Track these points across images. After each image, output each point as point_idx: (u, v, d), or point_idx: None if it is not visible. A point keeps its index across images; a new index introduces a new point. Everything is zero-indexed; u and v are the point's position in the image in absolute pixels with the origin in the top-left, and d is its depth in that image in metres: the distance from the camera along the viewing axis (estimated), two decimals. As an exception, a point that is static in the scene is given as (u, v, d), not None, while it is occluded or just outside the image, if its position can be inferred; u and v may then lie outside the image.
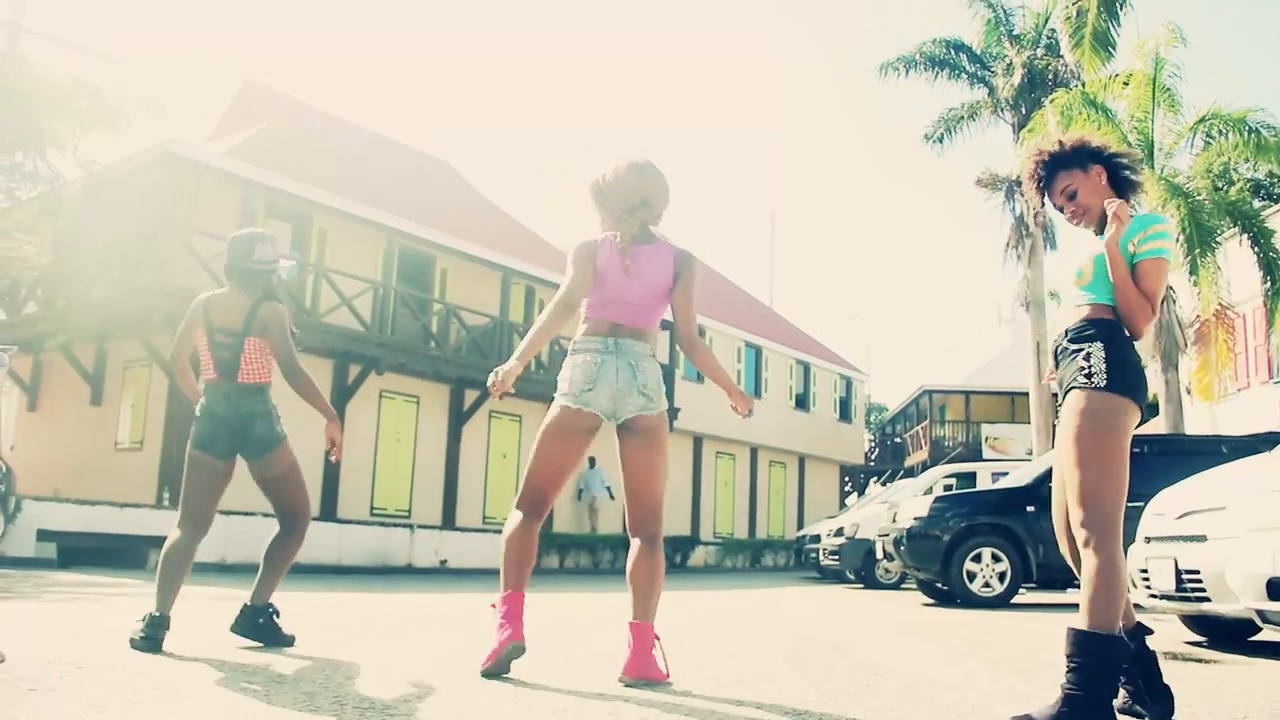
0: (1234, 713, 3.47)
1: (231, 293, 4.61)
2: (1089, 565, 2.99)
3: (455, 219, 22.36)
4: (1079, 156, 3.39)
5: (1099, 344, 3.15)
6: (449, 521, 20.46)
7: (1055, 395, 3.45)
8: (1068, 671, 2.93)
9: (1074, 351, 3.21)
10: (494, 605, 3.83)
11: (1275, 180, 27.77)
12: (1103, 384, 3.09)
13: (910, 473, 37.19)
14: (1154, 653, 3.29)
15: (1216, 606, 5.55)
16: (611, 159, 4.02)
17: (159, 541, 14.07)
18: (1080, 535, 3.04)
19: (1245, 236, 16.59)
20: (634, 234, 3.89)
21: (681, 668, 4.10)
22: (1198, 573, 5.62)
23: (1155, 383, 18.14)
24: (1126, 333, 3.21)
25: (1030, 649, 5.98)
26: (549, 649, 4.74)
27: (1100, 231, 3.37)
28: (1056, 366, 3.37)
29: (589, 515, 23.42)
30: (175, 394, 16.21)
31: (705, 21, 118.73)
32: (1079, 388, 3.14)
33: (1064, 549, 3.43)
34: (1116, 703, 3.18)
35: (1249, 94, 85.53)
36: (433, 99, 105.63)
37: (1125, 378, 3.09)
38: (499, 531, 16.78)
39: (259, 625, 4.55)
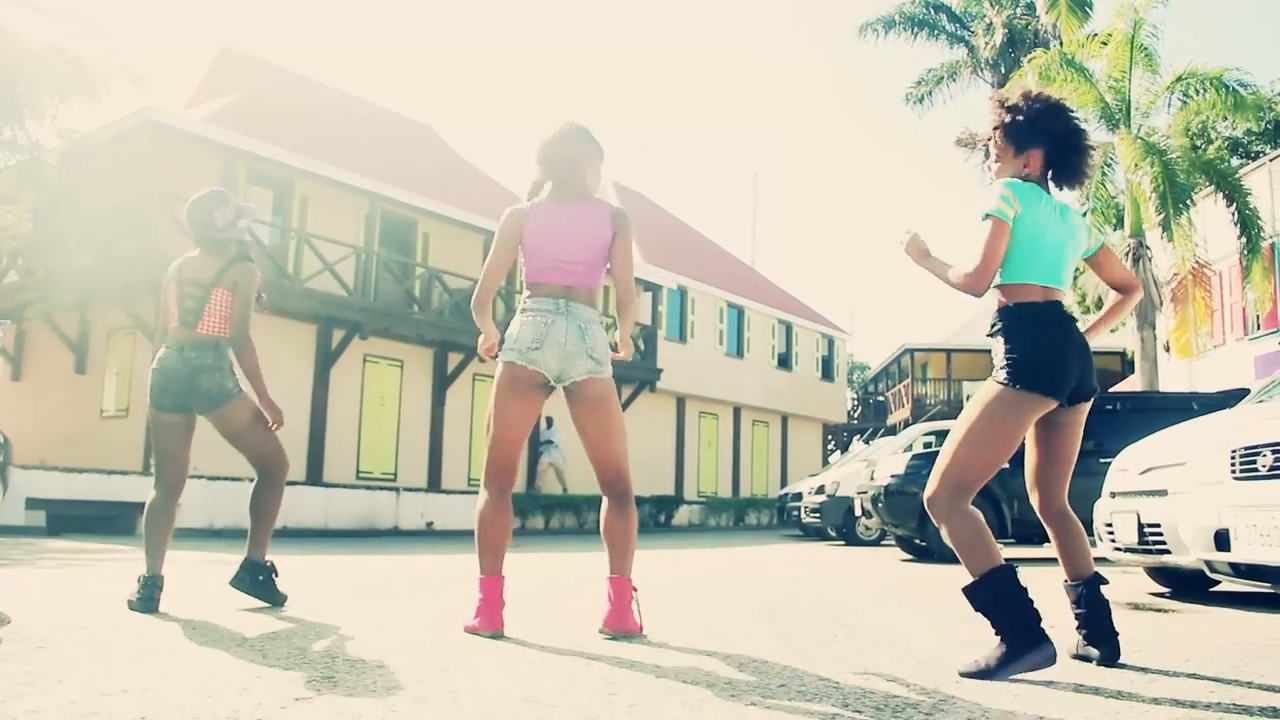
0: (1182, 658, 3.65)
1: (202, 255, 4.68)
2: (946, 536, 3.21)
3: (437, 183, 22.36)
4: (1019, 132, 3.34)
5: (999, 339, 3.23)
6: (434, 484, 20.63)
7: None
8: (990, 622, 3.15)
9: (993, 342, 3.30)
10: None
11: (1253, 138, 27.97)
12: (1002, 380, 3.17)
13: (892, 431, 37.50)
14: (1106, 600, 3.45)
15: (1175, 558, 5.75)
16: (553, 122, 4.10)
17: (147, 507, 14.29)
18: (933, 506, 3.21)
19: (1220, 194, 16.78)
20: (577, 193, 3.98)
21: (660, 623, 4.28)
22: (1158, 526, 5.82)
23: (1131, 340, 18.37)
24: (1031, 316, 3.21)
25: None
26: (532, 608, 4.91)
27: None
28: None
29: (556, 477, 22.81)
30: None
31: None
32: (993, 377, 3.24)
33: (1036, 505, 3.55)
34: (1071, 648, 3.38)
35: (1228, 56, 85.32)
36: (414, 62, 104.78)
37: (1022, 373, 3.14)
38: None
39: (258, 582, 4.66)
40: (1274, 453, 3.80)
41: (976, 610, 3.17)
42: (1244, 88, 17.20)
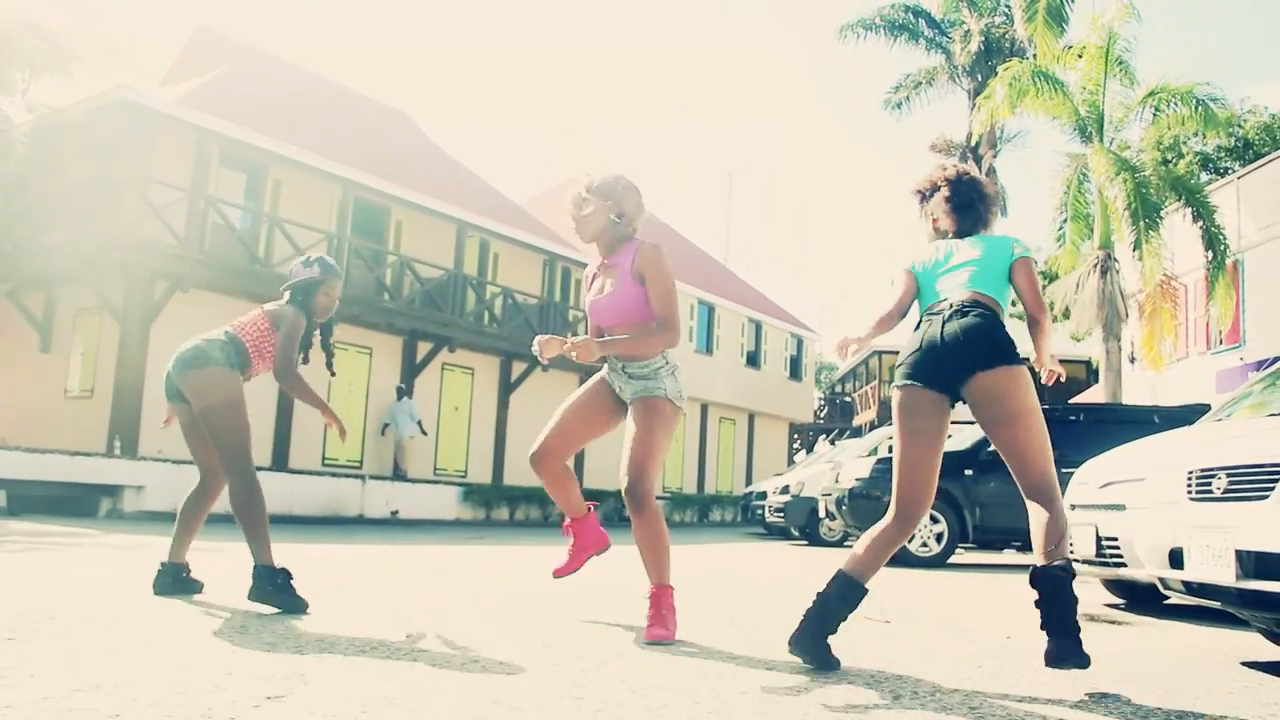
0: (1128, 671, 3.75)
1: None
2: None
3: (411, 171, 22.29)
4: (922, 198, 4.03)
5: None
6: (400, 472, 20.59)
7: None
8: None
9: None
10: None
11: (1223, 154, 28.34)
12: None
13: (858, 432, 37.77)
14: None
15: (1131, 572, 5.89)
16: (604, 171, 4.35)
17: (110, 490, 14.19)
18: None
19: (1189, 210, 17.01)
20: (615, 241, 4.29)
21: (629, 624, 4.34)
22: (1115, 540, 5.96)
23: (1096, 350, 18.60)
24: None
25: (963, 608, 6.28)
26: (499, 607, 4.94)
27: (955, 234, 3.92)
28: None
29: (395, 453, 20.56)
30: (126, 343, 16.19)
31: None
32: None
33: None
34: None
35: (1201, 72, 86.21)
36: (394, 52, 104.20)
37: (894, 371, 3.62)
38: (449, 483, 17.01)
39: (276, 587, 4.32)
40: (1229, 476, 3.90)
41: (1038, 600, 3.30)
42: (1214, 102, 17.43)
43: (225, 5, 73.60)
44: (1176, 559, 4.19)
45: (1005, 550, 15.67)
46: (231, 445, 4.45)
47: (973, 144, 22.29)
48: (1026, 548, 16.45)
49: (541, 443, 4.46)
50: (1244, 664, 4.27)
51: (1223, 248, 17.19)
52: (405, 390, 20.69)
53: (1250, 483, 3.78)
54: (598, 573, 4.81)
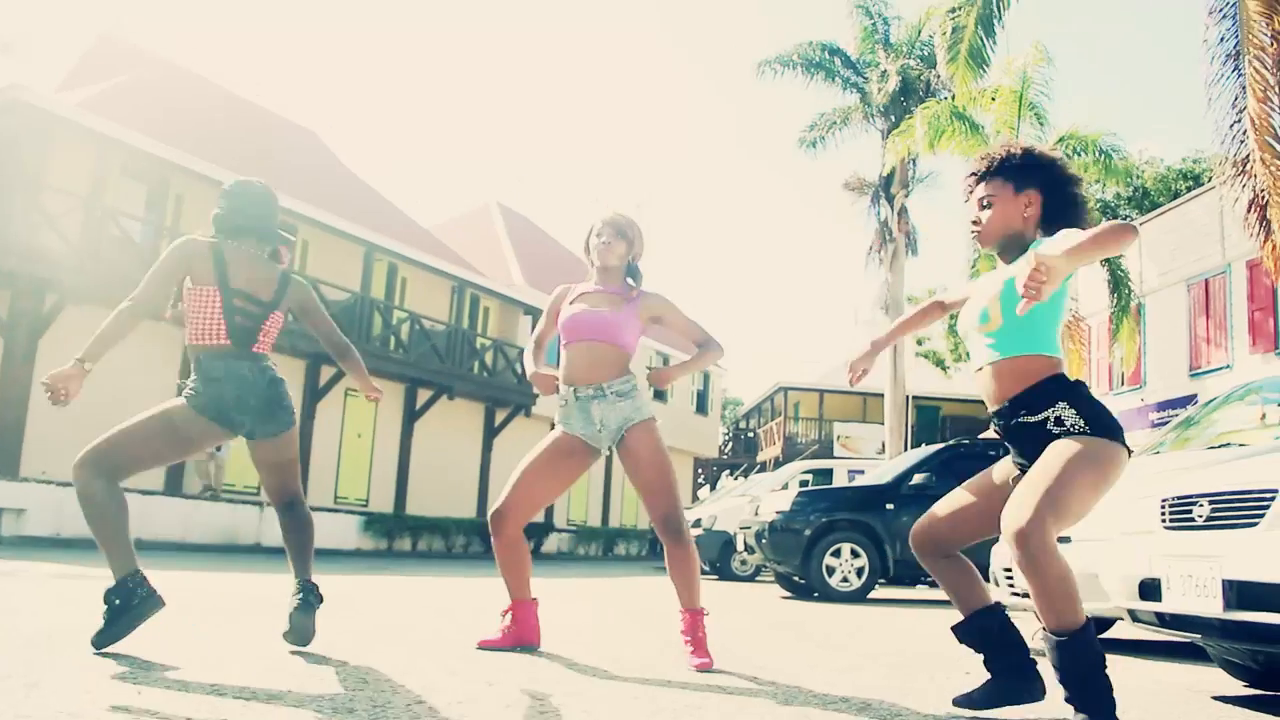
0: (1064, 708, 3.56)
1: (256, 260, 3.96)
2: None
3: (319, 190, 21.68)
4: (1017, 171, 3.13)
5: (1063, 403, 2.94)
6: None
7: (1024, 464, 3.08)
8: (1063, 685, 2.82)
9: (1037, 424, 2.98)
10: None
11: (1121, 201, 29.19)
12: (1088, 432, 2.89)
13: (763, 467, 37.84)
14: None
15: (1085, 605, 5.74)
16: (629, 214, 4.48)
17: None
18: (1018, 550, 2.77)
19: (1095, 254, 17.33)
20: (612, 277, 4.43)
21: (557, 654, 4.01)
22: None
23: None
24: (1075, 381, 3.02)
25: (896, 644, 6.07)
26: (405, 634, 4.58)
27: (1007, 259, 3.15)
28: (1005, 441, 3.13)
29: (214, 472, 18.02)
30: (10, 356, 15.27)
31: (581, 10, 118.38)
32: (1063, 436, 2.92)
33: (927, 534, 3.38)
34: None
35: (1114, 119, 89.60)
36: (301, 66, 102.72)
37: (1108, 424, 2.92)
38: (350, 511, 16.50)
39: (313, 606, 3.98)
40: (1211, 503, 3.73)
41: (1058, 668, 2.82)
42: (1115, 152, 17.90)
43: (130, 11, 71.70)
44: (1150, 590, 4.01)
45: (917, 586, 15.70)
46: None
47: (884, 179, 22.51)
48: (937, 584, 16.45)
49: (504, 500, 4.24)
50: (1215, 698, 4.12)
51: (1127, 290, 17.56)
52: None
53: (1237, 509, 3.61)
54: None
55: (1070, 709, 2.80)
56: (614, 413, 4.19)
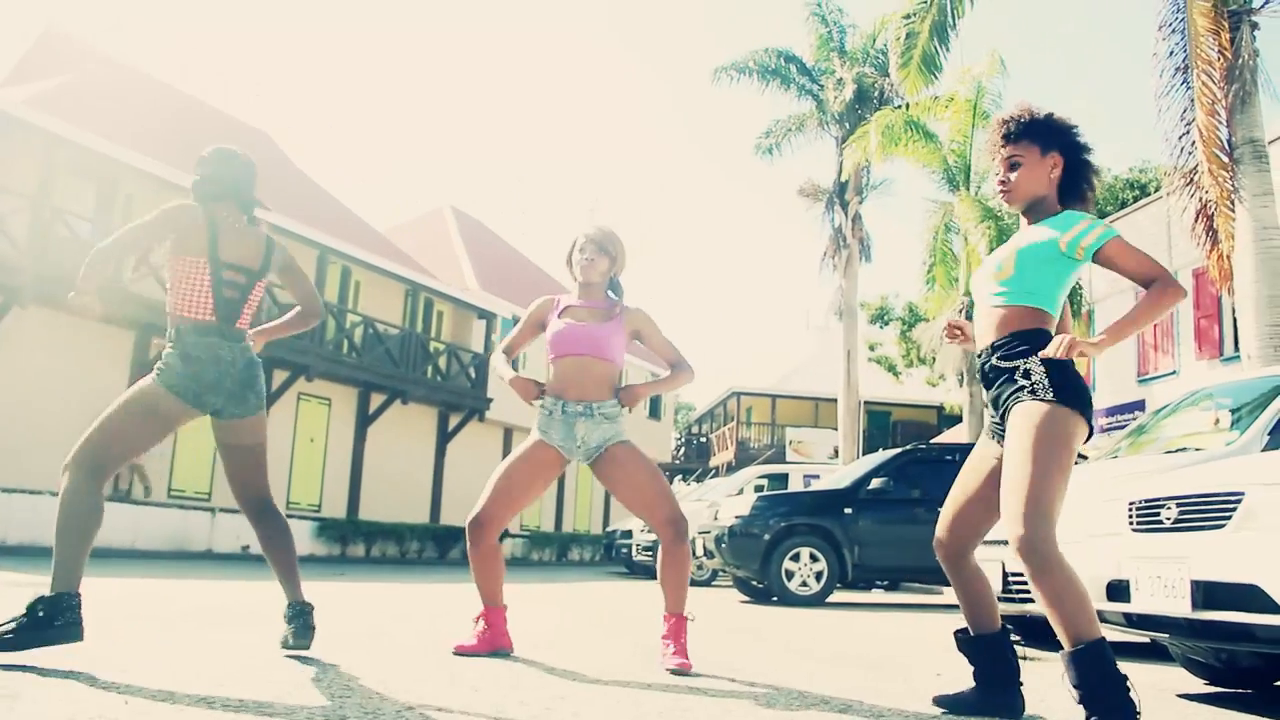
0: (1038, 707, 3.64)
1: (240, 230, 3.92)
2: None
3: (271, 192, 21.39)
4: (1044, 134, 3.25)
5: (1035, 359, 3.04)
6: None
7: (997, 420, 3.22)
8: (1081, 703, 2.84)
9: (1008, 371, 3.12)
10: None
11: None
12: (1049, 398, 2.98)
13: (715, 472, 37.96)
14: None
15: (1039, 607, 5.85)
16: (613, 229, 4.57)
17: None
18: (1025, 564, 2.90)
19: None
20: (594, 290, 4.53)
21: (531, 660, 4.02)
22: (1022, 575, 5.91)
23: (960, 395, 19.04)
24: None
25: (859, 647, 6.13)
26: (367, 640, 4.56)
27: (1031, 218, 3.27)
28: (987, 388, 3.25)
29: (135, 473, 17.93)
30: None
31: (537, 14, 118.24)
32: (1027, 400, 3.02)
33: (944, 540, 3.44)
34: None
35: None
36: (253, 66, 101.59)
37: (1072, 390, 3.00)
38: (302, 517, 16.39)
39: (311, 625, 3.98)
40: (1179, 506, 3.81)
41: (1075, 684, 2.84)
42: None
43: (75, 8, 70.53)
44: (1118, 591, 4.09)
45: (873, 590, 15.84)
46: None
47: (839, 187, 22.69)
48: (894, 587, 16.70)
49: (482, 508, 4.26)
50: (1179, 696, 4.21)
51: (1078, 298, 17.84)
52: None
53: (1205, 512, 3.69)
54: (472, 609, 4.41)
55: None
56: (597, 432, 4.29)
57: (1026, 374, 3.06)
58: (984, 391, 3.29)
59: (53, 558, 3.46)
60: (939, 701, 3.42)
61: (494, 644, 4.32)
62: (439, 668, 3.81)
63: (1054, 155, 3.26)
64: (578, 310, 4.43)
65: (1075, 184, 3.29)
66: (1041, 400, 3.00)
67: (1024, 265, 3.16)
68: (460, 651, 4.24)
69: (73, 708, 2.59)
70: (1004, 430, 3.14)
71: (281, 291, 19.79)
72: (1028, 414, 3.01)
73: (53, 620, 3.32)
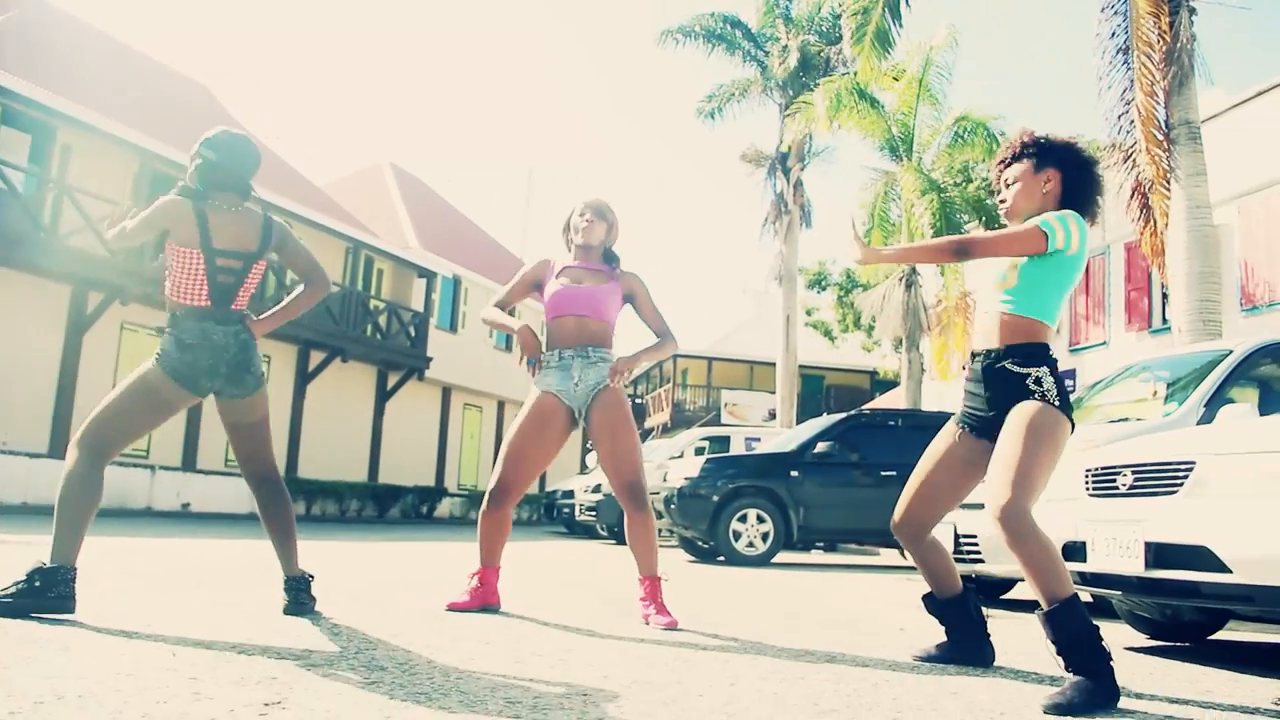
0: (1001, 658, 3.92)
1: (235, 214, 4.02)
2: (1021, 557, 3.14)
3: (211, 146, 21.10)
4: (1036, 153, 3.49)
5: (1045, 369, 3.32)
6: (190, 463, 19.43)
7: (985, 414, 3.47)
8: (1059, 655, 3.07)
9: (1018, 375, 3.35)
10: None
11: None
12: (1056, 404, 3.28)
13: (649, 433, 38.27)
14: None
15: (989, 568, 6.21)
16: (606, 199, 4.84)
17: None
18: (1003, 529, 3.13)
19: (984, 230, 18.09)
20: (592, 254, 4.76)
21: (522, 615, 4.20)
22: (974, 537, 6.25)
23: (888, 361, 19.48)
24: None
25: (815, 605, 6.40)
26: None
27: None
28: (986, 387, 3.45)
29: None
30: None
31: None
32: (1033, 400, 3.29)
33: (902, 523, 3.71)
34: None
35: (1004, 103, 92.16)
36: (192, 17, 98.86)
37: (1067, 401, 3.32)
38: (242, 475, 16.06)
39: (310, 598, 4.12)
40: (1134, 473, 4.11)
41: (1053, 640, 3.08)
42: (1003, 135, 18.63)
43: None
44: (1074, 552, 4.38)
45: (812, 550, 16.26)
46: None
47: (782, 153, 22.94)
48: (831, 548, 17.13)
49: (504, 476, 4.50)
50: (1126, 649, 4.53)
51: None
52: None
53: (1159, 479, 3.98)
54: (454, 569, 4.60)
55: (1071, 678, 3.02)
56: (593, 372, 4.49)
57: (1039, 381, 3.33)
58: (976, 386, 3.51)
59: (53, 531, 3.59)
60: (920, 658, 3.72)
61: (484, 600, 4.52)
62: (440, 623, 3.97)
63: (1048, 171, 3.50)
64: (576, 271, 4.64)
65: (1079, 197, 3.52)
66: (1048, 404, 3.30)
67: (1025, 276, 3.41)
68: (453, 608, 4.42)
69: (124, 659, 2.72)
70: (985, 423, 3.45)
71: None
72: (1031, 410, 3.29)
73: (48, 591, 3.49)
